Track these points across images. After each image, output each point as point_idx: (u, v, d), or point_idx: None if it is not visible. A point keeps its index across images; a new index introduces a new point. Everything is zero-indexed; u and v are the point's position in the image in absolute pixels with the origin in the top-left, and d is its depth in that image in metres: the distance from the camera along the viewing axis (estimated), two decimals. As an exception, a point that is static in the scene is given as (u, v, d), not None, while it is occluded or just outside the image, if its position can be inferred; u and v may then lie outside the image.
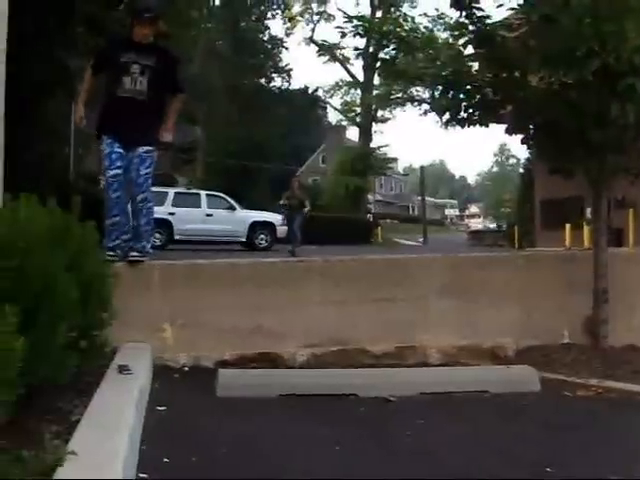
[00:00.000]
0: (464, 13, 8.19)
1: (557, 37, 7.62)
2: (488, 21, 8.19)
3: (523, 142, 9.18)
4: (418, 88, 19.00)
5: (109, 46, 7.55)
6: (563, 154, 8.58)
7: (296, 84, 74.12)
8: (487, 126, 8.92)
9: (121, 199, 7.19)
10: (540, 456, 5.08)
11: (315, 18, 67.87)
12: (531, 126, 8.93)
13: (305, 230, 26.35)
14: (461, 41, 8.46)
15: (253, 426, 5.59)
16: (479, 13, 8.11)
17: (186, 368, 7.31)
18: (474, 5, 8.08)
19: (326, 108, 79.45)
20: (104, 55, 7.47)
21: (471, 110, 8.69)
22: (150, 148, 7.23)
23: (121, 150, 7.09)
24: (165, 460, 4.45)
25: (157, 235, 26.15)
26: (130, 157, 7.08)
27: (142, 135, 7.17)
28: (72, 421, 4.19)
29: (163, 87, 7.39)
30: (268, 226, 30.56)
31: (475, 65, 8.76)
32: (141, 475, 4.05)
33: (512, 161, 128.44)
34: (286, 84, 71.42)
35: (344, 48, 56.38)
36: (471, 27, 8.21)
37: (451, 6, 8.30)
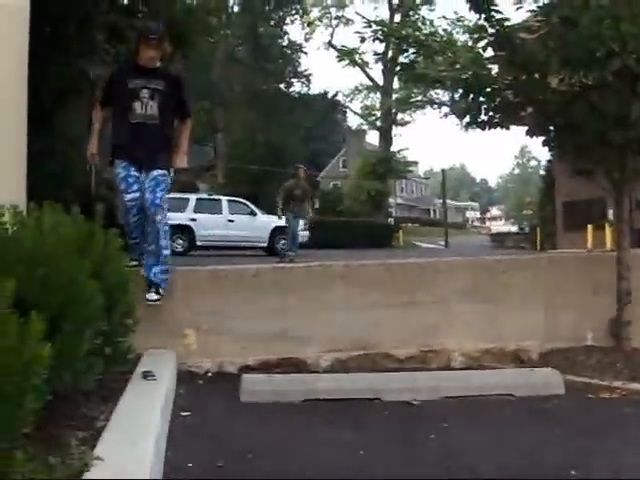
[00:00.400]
0: (483, 16, 8.18)
1: (577, 39, 7.59)
2: (507, 23, 8.17)
3: (544, 144, 9.16)
4: (438, 91, 19.01)
5: (115, 75, 7.43)
6: (584, 155, 8.56)
7: (315, 89, 74.39)
8: (508, 128, 8.91)
9: (141, 221, 7.17)
10: (565, 459, 5.07)
11: (334, 23, 67.94)
12: (552, 128, 8.91)
13: (323, 235, 26.07)
14: (481, 44, 8.45)
15: (277, 431, 5.61)
16: (498, 16, 8.10)
17: (210, 374, 7.33)
18: (492, 8, 8.07)
19: (346, 112, 79.50)
20: (111, 85, 7.39)
21: (491, 113, 8.68)
22: (165, 172, 7.20)
23: (136, 173, 7.05)
24: (190, 465, 4.47)
25: (179, 241, 26.29)
26: (145, 180, 7.05)
27: (156, 159, 7.13)
28: (98, 427, 4.21)
29: (173, 110, 7.37)
30: (289, 231, 30.59)
31: (495, 68, 8.75)
32: (167, 480, 4.07)
33: (533, 163, 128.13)
34: (305, 89, 71.53)
35: (364, 53, 56.28)
36: (490, 30, 8.20)
37: (470, 9, 8.30)
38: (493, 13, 8.12)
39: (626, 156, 8.12)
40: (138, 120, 7.11)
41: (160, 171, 7.11)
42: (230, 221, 29.59)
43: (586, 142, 8.28)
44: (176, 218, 21.79)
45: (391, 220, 62.23)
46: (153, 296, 6.85)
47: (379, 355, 7.75)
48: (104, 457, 3.46)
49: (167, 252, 7.09)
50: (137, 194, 7.01)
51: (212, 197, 32.86)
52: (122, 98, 7.16)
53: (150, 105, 7.11)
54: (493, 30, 8.17)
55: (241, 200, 31.63)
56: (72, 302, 4.03)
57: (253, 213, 30.79)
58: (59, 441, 3.86)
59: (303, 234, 29.97)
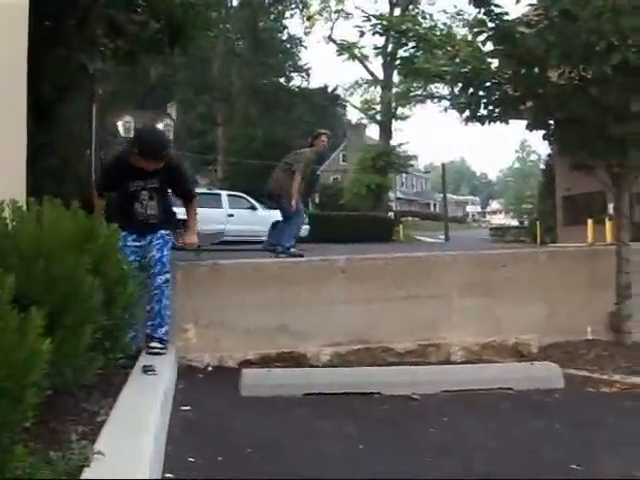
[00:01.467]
0: (482, 10, 8.17)
1: (577, 32, 7.59)
2: (506, 17, 8.17)
3: (544, 138, 9.16)
4: (438, 85, 18.93)
5: (112, 175, 7.32)
6: (584, 149, 8.55)
7: (315, 83, 74.25)
8: (507, 122, 8.90)
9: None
10: (565, 453, 5.08)
11: (333, 17, 67.78)
12: (551, 122, 8.90)
13: (324, 228, 25.81)
14: (480, 38, 8.44)
15: (278, 425, 5.62)
16: (497, 10, 8.09)
17: (210, 368, 7.34)
18: (492, 2, 8.06)
19: (346, 106, 79.36)
20: (110, 181, 7.29)
21: (491, 107, 8.68)
22: (170, 232, 7.19)
23: (136, 243, 6.99)
24: (190, 460, 4.48)
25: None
26: (150, 239, 6.99)
27: (160, 227, 7.10)
28: (98, 422, 4.22)
29: (173, 191, 7.38)
30: (290, 225, 30.55)
31: (494, 62, 8.74)
32: (167, 475, 4.08)
33: (533, 157, 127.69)
34: (305, 83, 71.41)
35: (363, 47, 56.20)
36: (490, 24, 8.19)
37: (469, 3, 8.29)
38: (492, 7, 8.11)
39: (626, 150, 8.11)
40: (139, 217, 7.08)
41: (166, 231, 7.12)
42: (230, 215, 29.57)
43: (586, 136, 8.27)
44: (178, 212, 21.77)
45: (391, 214, 62.18)
46: (157, 345, 6.77)
47: (379, 349, 7.76)
48: (104, 452, 3.46)
49: (170, 312, 7.00)
50: (134, 264, 6.80)
51: (212, 191, 32.82)
52: (122, 196, 7.11)
53: (150, 205, 7.09)
54: (493, 24, 8.16)
55: (241, 194, 31.57)
56: (72, 297, 4.03)
57: (253, 207, 30.73)
58: (59, 436, 3.87)
59: (303, 228, 29.98)
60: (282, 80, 68.40)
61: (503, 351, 8.00)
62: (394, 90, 61.90)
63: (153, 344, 6.70)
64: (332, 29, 69.45)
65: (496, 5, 8.09)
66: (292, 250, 10.30)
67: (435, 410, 6.13)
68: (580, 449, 5.20)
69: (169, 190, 7.29)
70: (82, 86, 16.11)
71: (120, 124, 60.80)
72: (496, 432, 5.60)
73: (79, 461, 3.36)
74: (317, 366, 7.52)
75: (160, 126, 65.38)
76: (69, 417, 4.29)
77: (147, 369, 5.71)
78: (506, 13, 8.15)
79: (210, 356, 7.41)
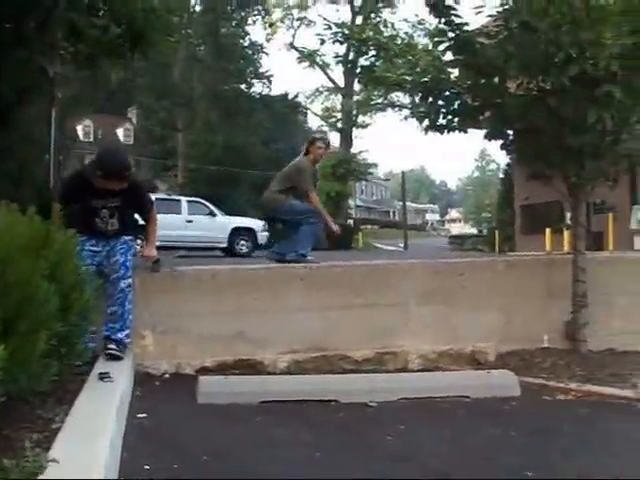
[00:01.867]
0: (443, 20, 8.23)
1: (535, 43, 7.67)
2: (466, 28, 8.23)
3: (502, 148, 9.23)
4: (398, 93, 19.01)
5: (73, 191, 7.29)
6: (542, 160, 8.63)
7: (276, 90, 74.17)
8: (466, 132, 8.96)
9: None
10: (520, 460, 5.11)
11: (295, 24, 67.85)
12: (510, 132, 8.98)
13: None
14: (440, 47, 8.49)
15: (234, 433, 5.61)
16: (457, 20, 8.15)
17: (167, 375, 7.31)
18: (452, 12, 8.13)
19: (306, 114, 79.43)
20: (71, 196, 7.25)
21: (450, 116, 8.73)
22: (132, 238, 7.22)
23: (94, 247, 6.96)
24: (146, 467, 4.45)
25: (137, 241, 26.13)
26: (114, 244, 6.98)
27: (122, 234, 7.12)
28: (53, 429, 4.19)
29: (134, 211, 7.42)
30: (249, 232, 30.52)
31: (454, 72, 8.80)
32: (122, 482, 4.05)
33: (493, 166, 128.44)
34: (266, 90, 71.32)
35: (324, 55, 56.37)
36: (450, 34, 8.25)
37: (430, 13, 8.35)
38: (453, 17, 8.17)
39: (582, 161, 8.20)
40: (100, 230, 7.08)
41: (128, 237, 7.14)
42: (189, 221, 29.47)
43: (543, 146, 8.35)
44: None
45: (351, 222, 62.32)
46: (115, 348, 6.71)
47: (336, 357, 7.77)
48: (59, 459, 3.44)
49: (132, 317, 6.98)
50: (92, 268, 6.76)
51: (171, 197, 32.71)
52: (82, 211, 7.07)
53: (110, 222, 7.10)
54: (453, 34, 8.22)
55: (200, 200, 31.50)
56: (27, 303, 4.00)
57: (212, 213, 30.67)
58: (13, 443, 3.84)
59: (262, 235, 29.96)
60: (243, 86, 68.24)
61: (460, 359, 8.04)
62: (355, 98, 62.14)
63: (111, 346, 6.67)
64: (294, 36, 69.26)
65: (456, 15, 8.16)
66: (309, 258, 9.47)
67: (392, 417, 6.15)
68: (535, 456, 5.24)
69: (129, 210, 7.32)
70: (42, 89, 15.99)
71: (80, 128, 60.49)
72: (452, 439, 5.63)
73: (33, 469, 3.34)
74: (274, 373, 7.51)
75: (120, 131, 65.31)
76: (23, 424, 4.26)
77: (103, 376, 5.68)
78: (466, 23, 8.22)
79: (167, 363, 7.37)
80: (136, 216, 7.45)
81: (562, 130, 8.01)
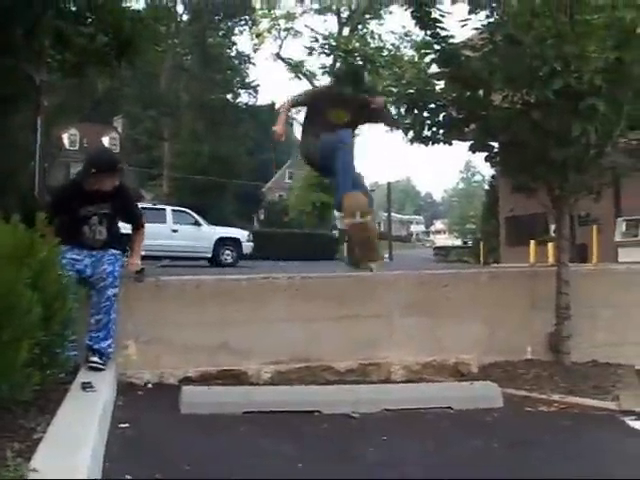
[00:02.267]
0: (429, 32, 8.27)
1: (520, 57, 7.72)
2: (452, 41, 8.27)
3: (487, 160, 9.25)
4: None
5: (63, 200, 7.34)
6: (526, 172, 8.66)
7: (263, 100, 74.28)
8: (451, 144, 8.98)
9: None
10: (502, 470, 5.13)
11: (282, 34, 68.01)
12: (495, 144, 9.01)
13: (268, 246, 25.69)
14: (426, 60, 8.53)
15: (217, 443, 5.60)
16: (443, 33, 8.20)
17: (150, 385, 7.29)
18: (438, 25, 8.17)
19: (292, 124, 79.52)
20: (60, 206, 7.29)
21: (435, 128, 8.76)
22: (120, 252, 7.27)
23: (76, 256, 6.98)
24: (128, 477, 4.44)
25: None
26: (101, 255, 7.01)
27: (110, 246, 7.17)
28: (34, 439, 4.18)
29: (122, 219, 7.53)
30: (234, 242, 30.54)
31: (440, 84, 8.83)
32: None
33: (478, 178, 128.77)
34: (253, 100, 71.51)
35: (311, 65, 56.53)
36: (436, 46, 8.29)
37: (415, 25, 8.39)
38: (438, 30, 8.21)
39: (566, 174, 8.23)
40: (88, 242, 7.13)
41: (116, 250, 7.20)
42: (174, 231, 29.45)
43: (528, 159, 8.38)
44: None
45: (336, 232, 62.40)
46: (98, 360, 6.71)
47: (320, 368, 7.76)
48: (40, 469, 3.43)
49: (115, 327, 6.98)
50: (74, 275, 6.79)
51: (156, 206, 32.68)
52: (71, 220, 7.12)
53: (99, 230, 7.16)
54: (438, 47, 8.26)
55: (185, 210, 31.51)
56: (10, 312, 3.99)
57: (197, 223, 30.68)
58: (-5, 453, 3.83)
59: (247, 245, 29.96)
60: (230, 96, 68.44)
61: (443, 370, 8.05)
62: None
63: (93, 358, 6.64)
64: (281, 47, 69.52)
65: (442, 28, 8.20)
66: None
67: (375, 428, 6.15)
68: (517, 467, 5.26)
69: (118, 218, 7.37)
70: (28, 97, 15.98)
71: (65, 136, 60.39)
72: (435, 450, 5.64)
73: (14, 478, 3.33)
74: (258, 384, 7.49)
75: (106, 140, 65.22)
76: (5, 434, 4.24)
77: (86, 386, 5.66)
78: (452, 36, 8.26)
79: (150, 373, 7.35)
80: (121, 226, 7.47)
81: (546, 143, 8.04)
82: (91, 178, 6.95)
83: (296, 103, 9.72)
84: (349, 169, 8.94)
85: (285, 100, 9.49)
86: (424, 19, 8.27)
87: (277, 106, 66.92)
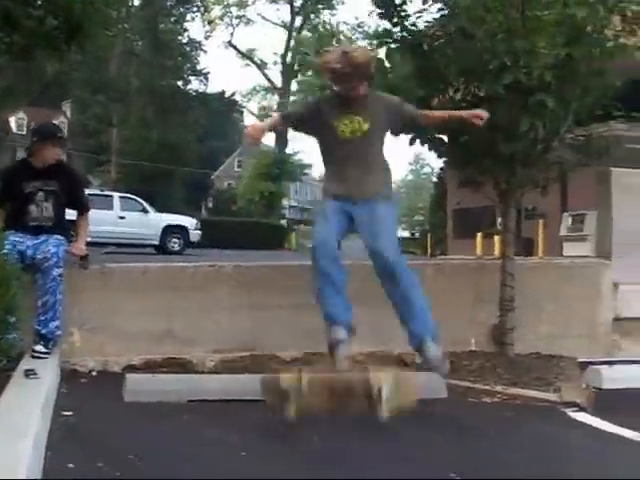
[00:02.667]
0: (394, 21, 8.20)
1: (472, 51, 7.77)
2: (413, 28, 8.25)
3: (430, 149, 9.18)
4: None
5: (10, 179, 7.35)
6: (473, 165, 8.70)
7: (213, 87, 74.02)
8: (397, 135, 8.96)
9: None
10: (445, 462, 5.16)
11: (235, 22, 67.79)
12: (444, 137, 9.02)
13: (216, 234, 25.54)
14: (383, 50, 8.49)
15: (161, 432, 5.58)
16: (407, 21, 8.18)
17: (94, 373, 7.25)
18: (402, 14, 8.15)
19: (243, 112, 79.37)
20: (6, 188, 7.31)
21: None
22: (64, 238, 7.25)
23: (18, 238, 6.93)
24: (70, 466, 4.41)
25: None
26: (46, 238, 7.01)
27: (55, 232, 7.16)
28: (-25, 426, 4.13)
29: (68, 205, 7.51)
30: (181, 230, 30.41)
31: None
32: (45, 481, 4.01)
33: (427, 170, 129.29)
34: (203, 87, 71.07)
35: (262, 54, 56.38)
36: (399, 34, 8.22)
37: (378, 15, 8.33)
38: (402, 18, 8.18)
39: (513, 168, 8.29)
40: (34, 223, 7.16)
41: (61, 237, 7.19)
42: (121, 218, 29.27)
43: (475, 152, 8.42)
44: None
45: (284, 222, 62.42)
46: (42, 349, 6.66)
47: (265, 356, 7.76)
48: (-20, 456, 3.40)
49: (62, 308, 6.95)
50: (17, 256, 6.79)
51: (103, 193, 32.46)
52: (18, 201, 7.14)
53: (45, 207, 7.20)
54: (401, 35, 8.20)
55: (133, 197, 31.36)
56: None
57: (145, 210, 30.53)
58: None
59: (195, 233, 29.85)
60: (180, 83, 67.97)
61: (388, 361, 8.06)
62: (291, 98, 62.24)
63: (37, 347, 6.60)
64: (232, 34, 69.29)
65: (407, 15, 8.17)
66: None
67: (319, 418, 6.13)
68: (460, 457, 5.29)
69: (64, 199, 7.34)
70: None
71: (13, 120, 59.58)
72: (376, 441, 5.64)
73: (-47, 466, 3.30)
74: (203, 372, 7.48)
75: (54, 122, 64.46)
76: (-55, 420, 4.20)
77: (29, 372, 5.62)
78: (415, 25, 8.27)
79: (94, 360, 7.31)
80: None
81: (494, 137, 8.09)
82: (33, 147, 7.00)
83: (288, 116, 8.14)
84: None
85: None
86: (389, 8, 8.21)
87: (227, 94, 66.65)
